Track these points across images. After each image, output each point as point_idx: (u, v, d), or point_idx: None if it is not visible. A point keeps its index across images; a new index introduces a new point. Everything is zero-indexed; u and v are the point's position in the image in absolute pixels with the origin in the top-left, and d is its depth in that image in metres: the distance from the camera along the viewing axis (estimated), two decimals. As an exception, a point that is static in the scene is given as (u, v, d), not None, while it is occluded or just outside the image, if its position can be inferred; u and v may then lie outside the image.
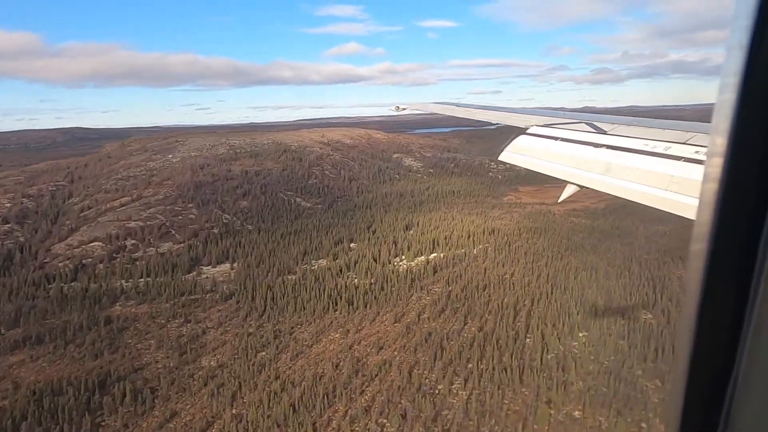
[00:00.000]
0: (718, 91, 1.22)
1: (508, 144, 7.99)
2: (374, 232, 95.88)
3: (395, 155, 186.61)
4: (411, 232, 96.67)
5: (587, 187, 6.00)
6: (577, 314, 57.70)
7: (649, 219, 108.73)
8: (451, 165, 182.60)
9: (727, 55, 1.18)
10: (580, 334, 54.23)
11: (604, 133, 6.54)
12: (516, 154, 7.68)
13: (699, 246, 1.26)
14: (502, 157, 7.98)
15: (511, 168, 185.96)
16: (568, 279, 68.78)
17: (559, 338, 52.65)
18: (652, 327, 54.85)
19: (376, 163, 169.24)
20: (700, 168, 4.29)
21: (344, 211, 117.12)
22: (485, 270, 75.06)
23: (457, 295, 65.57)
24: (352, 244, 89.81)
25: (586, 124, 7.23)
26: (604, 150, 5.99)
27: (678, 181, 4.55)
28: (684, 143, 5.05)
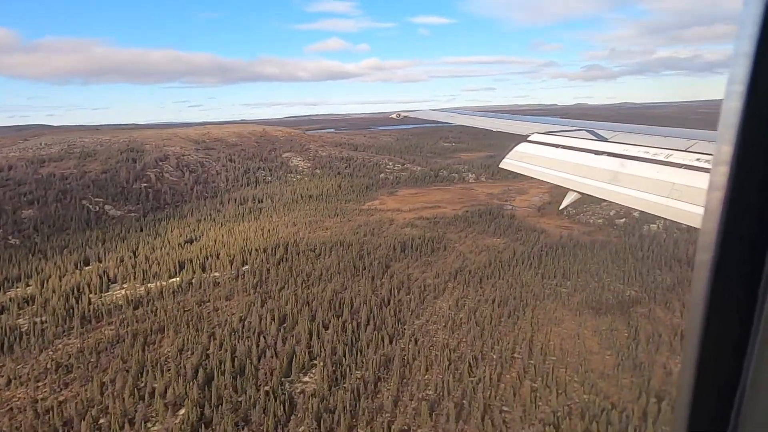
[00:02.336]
0: (724, 99, 1.19)
1: (509, 151, 7.53)
2: (135, 249, 79.79)
3: (285, 154, 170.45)
4: (185, 248, 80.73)
5: (588, 195, 5.79)
6: (205, 378, 41.97)
7: (495, 231, 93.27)
8: (344, 165, 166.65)
9: (732, 63, 1.15)
10: (180, 413, 38.53)
11: (605, 140, 6.47)
12: (516, 161, 7.28)
13: (705, 255, 1.24)
14: (503, 165, 7.46)
15: (406, 168, 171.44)
16: (264, 320, 53.13)
17: (129, 423, 36.89)
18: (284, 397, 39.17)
19: (251, 163, 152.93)
20: (702, 176, 4.35)
21: (153, 221, 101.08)
22: (198, 304, 59.32)
23: (108, 344, 49.75)
24: (90, 265, 73.65)
25: (587, 131, 7.15)
26: (605, 157, 5.85)
27: (680, 189, 4.50)
28: (685, 150, 5.00)
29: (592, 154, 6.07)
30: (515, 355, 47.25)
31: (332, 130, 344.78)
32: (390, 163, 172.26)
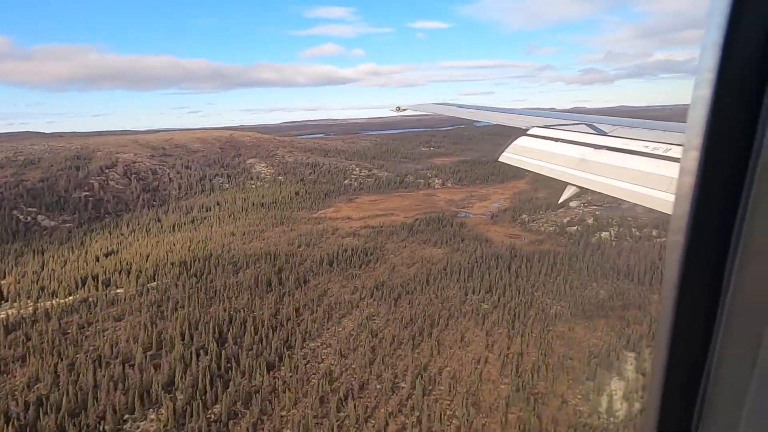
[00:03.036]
0: (693, 87, 1.23)
1: (508, 145, 7.47)
2: (45, 263, 75.08)
3: (249, 160, 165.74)
4: (100, 261, 76.04)
5: (587, 189, 5.82)
6: (33, 417, 37.14)
7: (437, 241, 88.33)
8: (308, 171, 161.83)
9: (701, 53, 1.19)
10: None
11: (605, 134, 6.39)
12: (515, 155, 7.20)
13: (676, 238, 1.27)
14: (502, 159, 7.36)
15: (372, 174, 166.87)
16: (139, 345, 48.34)
17: None
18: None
19: (209, 170, 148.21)
20: None
21: (86, 232, 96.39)
22: (81, 327, 54.51)
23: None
24: (-8, 282, 68.88)
25: (587, 125, 7.02)
26: (604, 151, 5.81)
27: None
28: None
29: (591, 148, 5.99)
30: (402, 384, 42.45)
31: (321, 135, 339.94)
32: (357, 169, 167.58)
